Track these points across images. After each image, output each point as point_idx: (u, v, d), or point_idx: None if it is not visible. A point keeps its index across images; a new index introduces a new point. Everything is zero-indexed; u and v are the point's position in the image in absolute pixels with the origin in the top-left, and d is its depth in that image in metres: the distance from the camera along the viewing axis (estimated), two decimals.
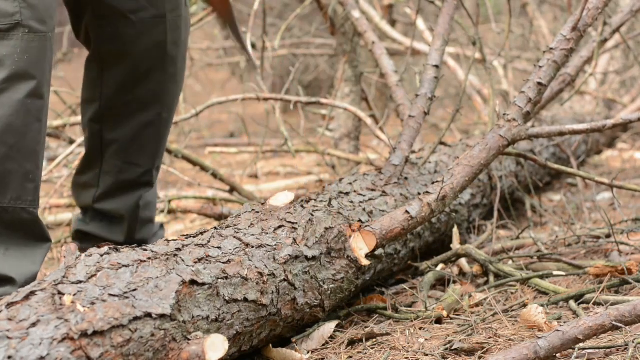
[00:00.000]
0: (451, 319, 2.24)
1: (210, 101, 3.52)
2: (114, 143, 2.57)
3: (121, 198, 2.60)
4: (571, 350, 1.86)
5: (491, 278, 2.53)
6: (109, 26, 2.48)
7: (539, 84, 2.47)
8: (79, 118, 3.69)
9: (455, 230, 2.71)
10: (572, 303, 2.26)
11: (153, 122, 2.56)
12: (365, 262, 2.18)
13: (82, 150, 3.51)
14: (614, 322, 1.84)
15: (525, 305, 2.28)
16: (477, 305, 2.34)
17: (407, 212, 2.26)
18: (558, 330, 1.82)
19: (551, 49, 2.49)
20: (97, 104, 2.57)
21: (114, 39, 2.49)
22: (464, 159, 2.38)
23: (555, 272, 2.58)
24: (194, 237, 1.95)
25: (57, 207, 3.88)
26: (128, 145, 2.57)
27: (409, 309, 2.31)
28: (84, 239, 2.66)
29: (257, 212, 2.13)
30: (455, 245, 2.68)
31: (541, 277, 2.43)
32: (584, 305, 2.24)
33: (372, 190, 2.47)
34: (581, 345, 1.86)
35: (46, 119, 2.18)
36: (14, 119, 2.09)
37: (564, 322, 2.13)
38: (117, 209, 2.61)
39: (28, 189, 2.14)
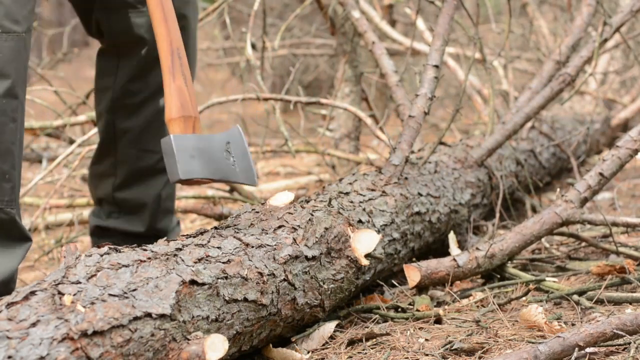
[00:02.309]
0: (451, 319, 2.24)
1: (211, 101, 3.51)
2: (127, 132, 2.56)
3: (141, 186, 2.59)
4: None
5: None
6: (121, 18, 2.47)
7: (601, 174, 2.58)
8: (79, 118, 3.70)
9: (451, 235, 2.71)
10: (573, 296, 2.26)
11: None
12: (365, 262, 2.18)
13: (89, 146, 3.49)
14: (615, 330, 1.84)
15: (522, 299, 2.28)
16: (477, 304, 2.35)
17: (454, 259, 2.43)
18: (559, 337, 1.82)
19: (617, 146, 2.60)
20: (110, 93, 2.56)
21: (129, 29, 2.48)
22: (518, 227, 2.55)
23: (555, 273, 2.58)
24: (194, 237, 1.95)
25: (57, 207, 3.88)
26: (141, 134, 2.56)
27: (409, 307, 2.31)
28: (102, 235, 2.65)
29: (257, 212, 2.13)
30: (454, 249, 2.68)
31: (539, 281, 2.42)
32: (588, 303, 2.24)
33: (372, 190, 2.47)
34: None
35: (22, 119, 2.15)
36: None
37: (564, 322, 2.13)
38: (139, 198, 2.59)
39: (4, 189, 2.11)
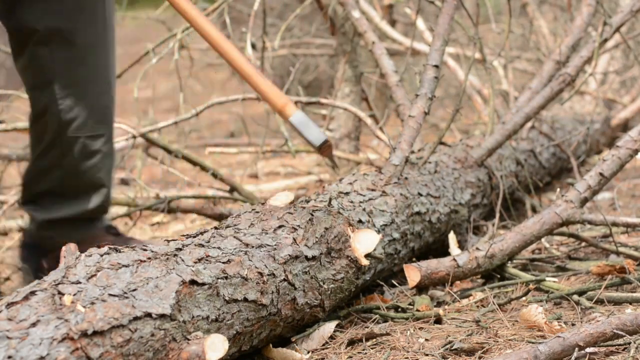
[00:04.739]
0: (451, 319, 2.24)
1: (211, 101, 3.51)
2: (73, 121, 2.63)
3: (90, 169, 2.70)
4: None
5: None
6: (48, 3, 2.55)
7: (601, 174, 2.58)
8: None
9: (451, 235, 2.71)
10: (574, 296, 2.27)
11: (107, 90, 2.68)
12: (365, 262, 2.18)
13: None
14: (615, 330, 1.84)
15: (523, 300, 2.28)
16: (477, 304, 2.35)
17: (454, 259, 2.43)
18: (559, 337, 1.82)
19: (617, 146, 2.61)
20: (52, 86, 2.62)
21: (56, 13, 2.57)
22: (518, 227, 2.55)
23: (555, 273, 2.58)
24: (194, 237, 1.95)
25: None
26: (87, 119, 2.64)
27: (409, 307, 2.31)
28: (54, 227, 2.73)
29: (257, 212, 2.13)
30: (454, 249, 2.68)
31: (539, 281, 2.42)
32: (588, 303, 2.24)
33: (372, 190, 2.47)
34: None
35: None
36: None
37: (564, 322, 2.13)
38: (89, 181, 2.71)
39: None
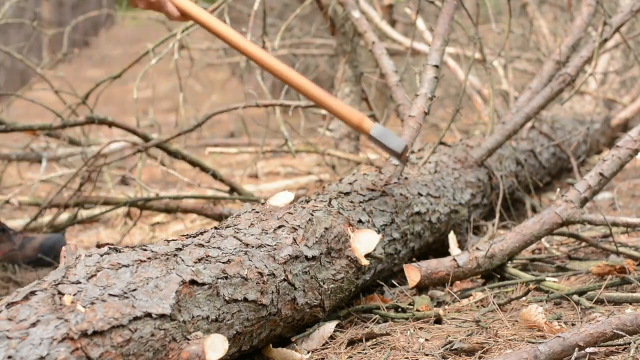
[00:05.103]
0: (451, 319, 2.24)
1: (212, 111, 3.51)
2: None
3: None
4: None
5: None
6: None
7: (601, 174, 2.58)
8: (78, 118, 3.70)
9: (451, 235, 2.71)
10: (574, 296, 2.27)
11: None
12: (365, 262, 2.18)
13: (89, 146, 3.58)
14: (615, 330, 1.84)
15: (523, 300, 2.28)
16: (477, 304, 2.35)
17: (454, 259, 2.43)
18: (559, 337, 1.82)
19: (617, 146, 2.61)
20: None
21: None
22: (518, 227, 2.55)
23: (555, 273, 2.58)
24: (194, 237, 1.95)
25: (56, 206, 3.88)
26: None
27: (409, 307, 2.31)
28: None
29: (257, 212, 2.13)
30: (454, 249, 2.68)
31: (539, 281, 2.42)
32: (588, 303, 2.24)
33: (372, 190, 2.47)
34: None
35: None
36: None
37: (564, 322, 2.13)
38: None
39: None
